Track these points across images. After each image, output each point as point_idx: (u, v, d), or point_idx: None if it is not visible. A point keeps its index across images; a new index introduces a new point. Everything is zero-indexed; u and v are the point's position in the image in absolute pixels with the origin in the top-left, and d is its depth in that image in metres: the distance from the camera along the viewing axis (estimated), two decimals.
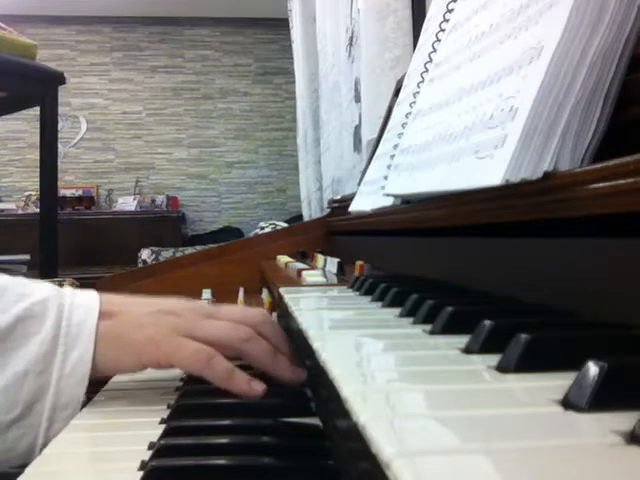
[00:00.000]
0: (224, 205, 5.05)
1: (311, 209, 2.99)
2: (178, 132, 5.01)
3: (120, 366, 0.48)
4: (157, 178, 4.99)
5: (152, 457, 0.35)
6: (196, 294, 1.03)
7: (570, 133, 0.39)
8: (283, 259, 1.07)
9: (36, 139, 2.08)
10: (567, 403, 0.22)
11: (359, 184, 1.02)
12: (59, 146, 2.24)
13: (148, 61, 5.02)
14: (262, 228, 3.89)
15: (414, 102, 0.76)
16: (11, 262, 3.44)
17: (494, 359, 0.28)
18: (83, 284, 0.72)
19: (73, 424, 0.43)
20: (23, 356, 0.44)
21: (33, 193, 4.39)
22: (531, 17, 0.46)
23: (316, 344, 0.35)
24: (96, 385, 0.52)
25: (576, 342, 0.28)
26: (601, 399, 0.21)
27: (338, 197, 1.32)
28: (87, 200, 4.70)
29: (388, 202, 0.74)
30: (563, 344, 0.27)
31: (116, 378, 0.54)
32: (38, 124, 2.02)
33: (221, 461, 0.34)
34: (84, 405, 0.46)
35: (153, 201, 4.81)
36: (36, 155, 2.09)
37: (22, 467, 0.35)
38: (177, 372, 0.55)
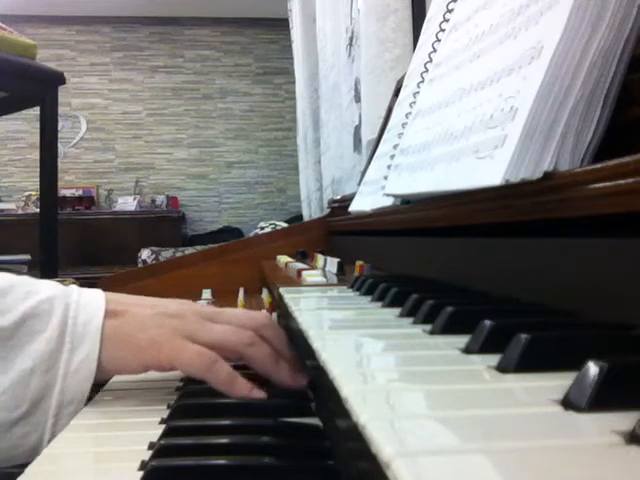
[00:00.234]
0: (224, 205, 5.05)
1: (311, 209, 2.99)
2: (178, 132, 5.01)
3: (123, 366, 0.49)
4: (157, 178, 4.99)
5: (152, 457, 0.35)
6: (196, 294, 1.03)
7: (570, 133, 0.39)
8: (283, 259, 1.07)
9: (36, 139, 2.08)
10: (567, 403, 0.22)
11: (359, 184, 1.02)
12: (59, 146, 2.24)
13: (148, 61, 5.02)
14: (262, 228, 3.89)
15: (414, 102, 0.76)
16: (11, 262, 3.44)
17: (494, 359, 0.28)
18: (83, 284, 0.72)
19: (73, 424, 0.43)
20: (29, 354, 0.45)
21: (33, 193, 4.39)
22: (531, 17, 0.46)
23: (316, 344, 0.35)
24: (96, 385, 0.52)
25: (576, 342, 0.27)
26: (601, 399, 0.21)
27: (338, 197, 1.32)
28: (87, 200, 4.70)
29: (388, 202, 0.74)
30: (563, 344, 0.27)
31: (116, 378, 0.54)
32: (38, 124, 2.02)
33: (221, 461, 0.34)
34: (84, 405, 0.46)
35: (153, 201, 4.81)
36: (36, 155, 2.09)
37: (23, 466, 0.35)
38: (177, 372, 0.55)
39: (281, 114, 5.07)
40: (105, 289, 0.53)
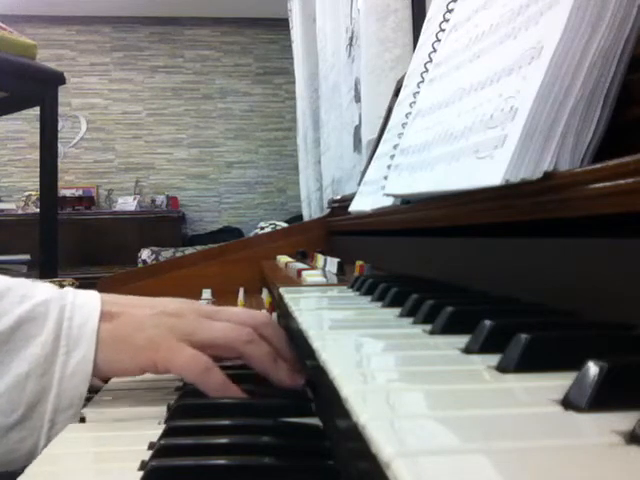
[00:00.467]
0: (224, 205, 5.05)
1: (311, 209, 2.99)
2: (178, 132, 5.01)
3: (120, 368, 0.48)
4: (157, 178, 4.99)
5: (152, 457, 0.35)
6: (196, 294, 1.03)
7: (570, 133, 0.39)
8: (283, 259, 1.07)
9: (36, 139, 2.08)
10: (567, 403, 0.22)
11: (359, 184, 1.02)
12: (59, 146, 2.24)
13: (148, 61, 5.02)
14: (262, 228, 3.89)
15: (414, 102, 0.76)
16: (11, 262, 3.44)
17: (494, 359, 0.28)
18: (83, 284, 0.72)
19: (73, 424, 0.43)
20: (25, 358, 0.44)
21: (33, 193, 4.39)
22: (531, 17, 0.46)
23: (316, 344, 0.35)
24: (96, 385, 0.52)
25: (576, 342, 0.27)
26: (601, 399, 0.21)
27: (338, 197, 1.32)
28: (87, 200, 4.70)
29: (388, 202, 0.74)
30: (563, 344, 0.27)
31: (116, 378, 0.54)
32: (38, 124, 2.02)
33: (221, 461, 0.34)
34: (84, 405, 0.46)
35: (153, 201, 4.81)
36: (36, 155, 2.09)
37: (22, 467, 0.35)
38: None
39: (281, 114, 5.07)
40: (105, 289, 0.53)
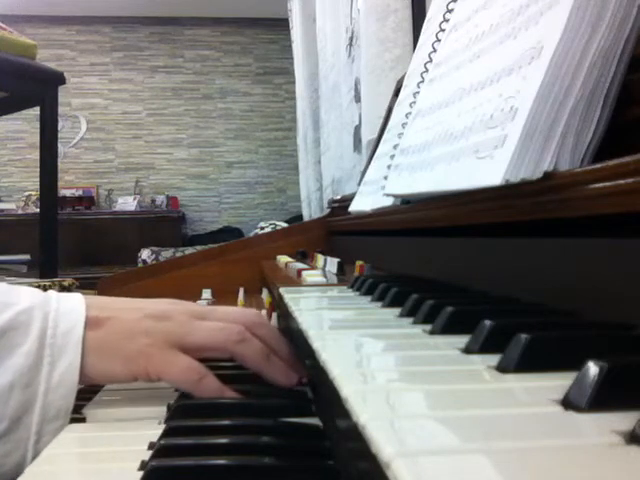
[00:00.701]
0: (224, 205, 5.05)
1: (311, 209, 2.99)
2: (178, 132, 5.01)
3: (110, 377, 0.47)
4: (157, 178, 4.99)
5: (152, 457, 0.35)
6: (196, 294, 1.03)
7: (570, 133, 0.39)
8: (283, 259, 1.07)
9: (36, 139, 2.08)
10: (567, 403, 0.22)
11: (359, 184, 1.02)
12: (59, 146, 2.24)
13: (148, 61, 5.02)
14: (262, 228, 3.89)
15: (414, 102, 0.76)
16: (11, 262, 3.44)
17: (494, 359, 0.28)
18: (83, 284, 0.72)
19: (73, 424, 0.43)
20: (8, 368, 0.43)
21: (33, 193, 4.39)
22: (531, 17, 0.46)
23: (316, 344, 0.35)
24: (96, 385, 0.52)
25: (576, 342, 0.27)
26: (601, 399, 0.21)
27: (338, 197, 1.32)
28: (87, 200, 4.70)
29: (388, 202, 0.74)
30: (563, 344, 0.27)
31: None
32: (38, 124, 2.02)
33: (221, 461, 0.34)
34: (83, 406, 0.46)
35: (153, 201, 4.82)
36: (36, 155, 2.09)
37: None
38: None
39: (281, 114, 5.07)
40: (105, 289, 0.53)
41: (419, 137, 0.63)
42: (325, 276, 0.75)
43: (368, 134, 1.69)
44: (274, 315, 0.75)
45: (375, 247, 0.86)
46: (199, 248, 2.74)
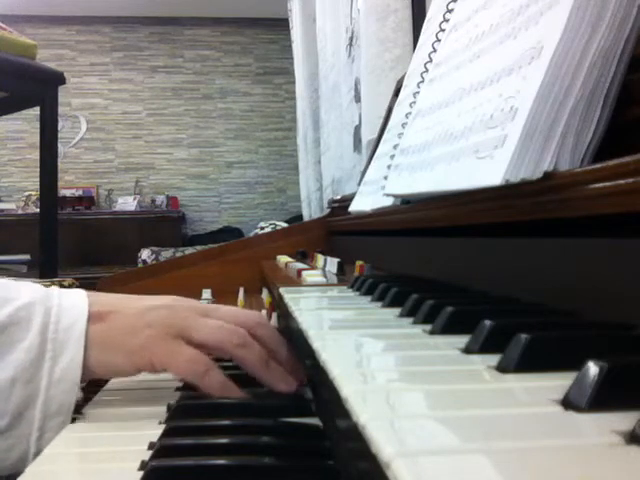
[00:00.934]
0: (224, 205, 5.05)
1: (311, 209, 2.99)
2: (178, 132, 5.01)
3: (114, 371, 0.47)
4: (157, 178, 4.99)
5: (152, 457, 0.35)
6: (196, 294, 1.03)
7: (570, 133, 0.39)
8: (283, 259, 1.07)
9: (36, 139, 2.08)
10: (567, 403, 0.22)
11: (359, 184, 1.02)
12: (59, 146, 2.24)
13: (148, 61, 5.02)
14: (262, 228, 3.89)
15: (414, 102, 0.76)
16: (11, 262, 3.44)
17: (494, 359, 0.28)
18: (83, 284, 0.72)
19: (73, 424, 0.43)
20: (9, 363, 0.43)
21: (33, 193, 4.39)
22: (531, 17, 0.46)
23: (316, 344, 0.35)
24: (96, 385, 0.52)
25: (576, 342, 0.28)
26: (601, 399, 0.21)
27: (338, 197, 1.32)
28: (87, 200, 4.70)
29: (388, 202, 0.74)
30: (563, 344, 0.27)
31: (116, 378, 0.54)
32: (38, 124, 2.02)
33: (221, 461, 0.34)
34: (84, 406, 0.46)
35: (153, 201, 4.82)
36: (36, 155, 2.09)
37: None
38: None
39: (281, 114, 5.07)
40: (105, 289, 0.53)
41: (419, 137, 0.63)
42: (325, 276, 0.75)
43: (368, 134, 1.69)
44: (274, 315, 0.75)
45: (375, 247, 0.86)
46: (199, 248, 2.74)
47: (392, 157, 0.77)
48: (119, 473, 0.35)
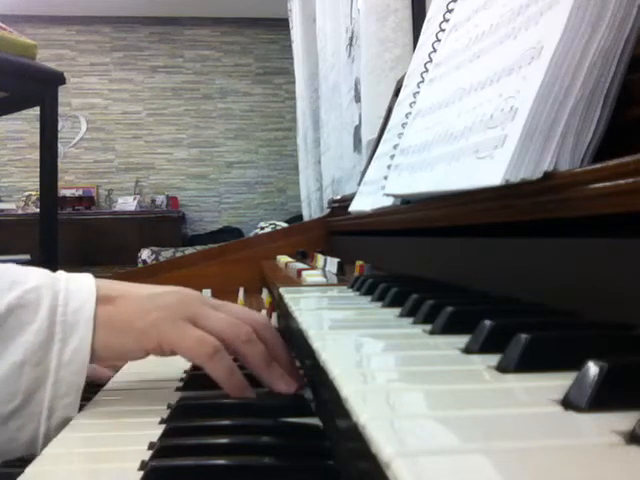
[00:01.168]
0: (224, 205, 5.05)
1: (311, 209, 2.99)
2: (178, 132, 5.02)
3: (121, 353, 0.47)
4: (157, 178, 5.00)
5: (152, 457, 0.35)
6: None
7: (570, 133, 0.39)
8: (283, 259, 1.07)
9: (36, 139, 2.08)
10: (567, 403, 0.22)
11: (359, 184, 1.02)
12: (59, 146, 2.24)
13: (148, 61, 5.02)
14: (262, 228, 3.89)
15: (414, 102, 0.76)
16: (11, 262, 3.43)
17: (494, 359, 0.28)
18: None
19: (74, 423, 0.43)
20: (19, 346, 0.43)
21: (33, 193, 4.39)
22: (531, 17, 0.46)
23: (316, 344, 0.35)
24: (96, 385, 0.52)
25: (576, 342, 0.27)
26: (601, 399, 0.21)
27: (338, 197, 1.32)
28: (87, 200, 4.70)
29: (388, 202, 0.74)
30: (563, 344, 0.27)
31: (116, 378, 0.54)
32: (38, 124, 2.02)
33: (221, 461, 0.34)
34: (83, 406, 0.46)
35: (153, 201, 4.82)
36: (36, 155, 2.09)
37: (22, 467, 0.35)
38: (177, 372, 0.55)
39: (281, 114, 5.07)
40: None
41: (419, 137, 0.63)
42: (325, 276, 0.75)
43: (368, 134, 1.69)
44: (274, 315, 0.75)
45: (375, 247, 0.86)
46: (199, 248, 2.74)
47: (392, 157, 0.77)
48: (119, 473, 0.35)
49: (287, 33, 3.60)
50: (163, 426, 0.40)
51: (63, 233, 2.26)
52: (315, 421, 0.41)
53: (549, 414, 0.21)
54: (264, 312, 0.80)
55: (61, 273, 0.50)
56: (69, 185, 4.77)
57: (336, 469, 0.33)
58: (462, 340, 0.32)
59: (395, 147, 0.77)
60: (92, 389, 0.50)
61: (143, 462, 0.35)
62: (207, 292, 1.05)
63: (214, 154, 5.04)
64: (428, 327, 0.37)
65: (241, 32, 5.07)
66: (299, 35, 3.05)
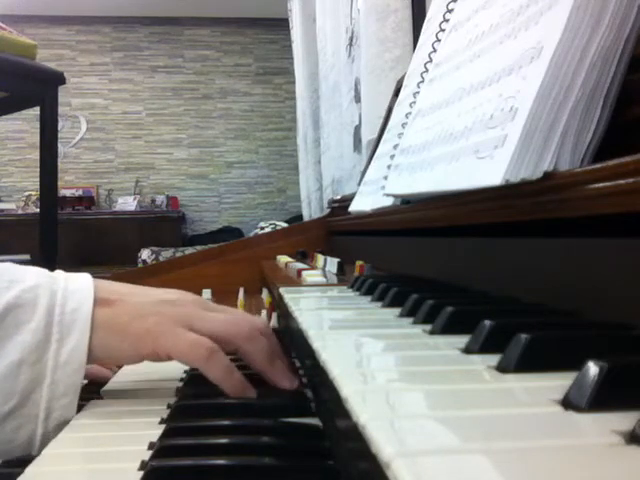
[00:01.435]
0: (224, 205, 5.05)
1: (311, 209, 2.99)
2: (178, 132, 5.01)
3: (117, 356, 0.47)
4: (157, 178, 5.00)
5: (152, 457, 0.35)
6: (196, 294, 1.03)
7: (570, 133, 0.39)
8: (283, 259, 1.07)
9: (36, 139, 2.08)
10: (567, 403, 0.22)
11: (359, 184, 1.02)
12: (59, 146, 2.24)
13: (148, 61, 5.02)
14: (262, 228, 3.90)
15: (414, 102, 0.76)
16: (11, 262, 3.43)
17: (494, 359, 0.28)
18: None
19: (73, 424, 0.43)
20: (16, 345, 0.43)
21: (33, 193, 4.39)
22: (531, 17, 0.46)
23: (316, 344, 0.35)
24: (96, 385, 0.52)
25: (576, 342, 0.27)
26: (601, 399, 0.21)
27: (338, 197, 1.32)
28: (87, 200, 4.70)
29: (388, 202, 0.74)
30: (563, 344, 0.27)
31: (116, 378, 0.54)
32: (38, 124, 2.02)
33: (221, 461, 0.34)
34: (83, 406, 0.46)
35: (153, 201, 4.82)
36: (36, 155, 2.09)
37: (22, 467, 0.35)
38: (177, 372, 0.55)
39: (281, 114, 5.07)
40: None
41: (419, 137, 0.63)
42: (325, 276, 0.75)
43: (368, 134, 1.69)
44: (274, 315, 0.75)
45: (375, 247, 0.86)
46: (199, 248, 2.74)
47: (392, 157, 0.77)
48: (119, 473, 0.35)
49: (287, 33, 3.60)
50: (163, 426, 0.40)
51: (63, 233, 2.27)
52: (315, 421, 0.41)
53: (549, 414, 0.21)
54: (264, 312, 0.80)
55: (59, 273, 0.49)
56: (69, 185, 4.77)
57: (336, 469, 0.33)
58: (462, 340, 0.32)
59: (395, 147, 0.77)
60: (92, 389, 0.50)
61: (143, 462, 0.35)
62: (207, 292, 1.05)
63: (214, 154, 5.04)
64: (428, 327, 0.37)
65: (241, 32, 5.07)
66: (299, 35, 3.05)
